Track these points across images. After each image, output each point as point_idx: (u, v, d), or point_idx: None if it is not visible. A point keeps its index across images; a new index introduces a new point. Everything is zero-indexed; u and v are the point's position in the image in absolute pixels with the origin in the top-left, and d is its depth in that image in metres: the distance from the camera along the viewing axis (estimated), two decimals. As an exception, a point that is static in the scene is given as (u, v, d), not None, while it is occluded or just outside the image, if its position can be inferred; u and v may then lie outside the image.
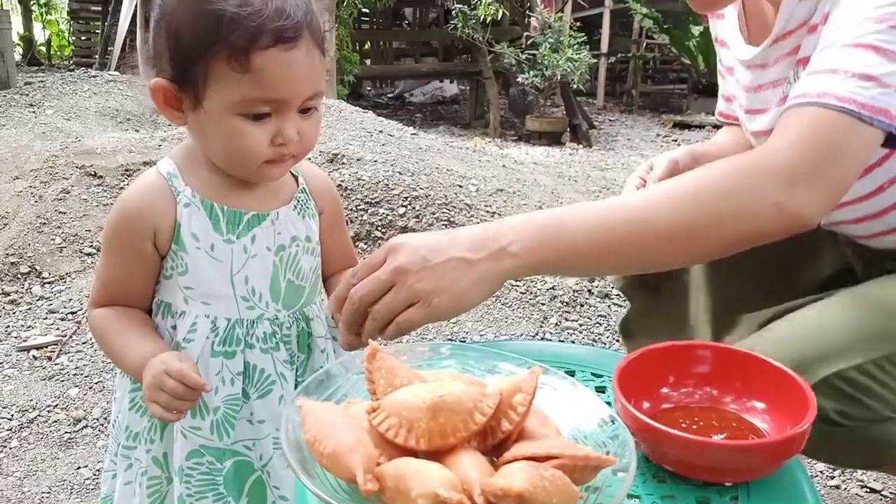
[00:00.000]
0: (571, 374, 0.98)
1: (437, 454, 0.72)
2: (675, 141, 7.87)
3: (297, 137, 0.90)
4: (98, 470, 1.85)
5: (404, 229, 3.00)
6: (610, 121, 9.18)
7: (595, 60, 8.07)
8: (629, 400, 0.81)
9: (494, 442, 0.76)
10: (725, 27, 1.34)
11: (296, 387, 1.00)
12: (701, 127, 8.64)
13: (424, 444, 0.72)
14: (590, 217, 0.90)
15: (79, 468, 1.86)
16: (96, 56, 9.55)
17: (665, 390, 0.88)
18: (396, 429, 0.73)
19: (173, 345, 0.97)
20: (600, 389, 0.97)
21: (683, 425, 0.84)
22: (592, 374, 1.00)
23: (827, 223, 1.23)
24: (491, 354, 0.90)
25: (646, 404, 0.86)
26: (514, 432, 0.76)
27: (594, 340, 2.54)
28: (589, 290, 2.80)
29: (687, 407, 0.87)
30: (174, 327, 0.98)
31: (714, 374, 0.87)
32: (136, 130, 4.26)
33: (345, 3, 6.85)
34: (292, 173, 1.04)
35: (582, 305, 2.70)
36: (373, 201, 3.09)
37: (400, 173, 3.30)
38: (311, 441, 0.70)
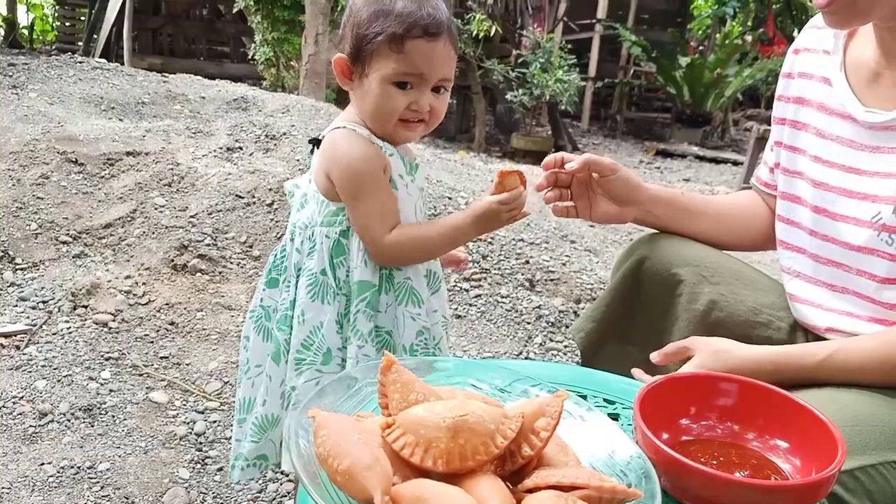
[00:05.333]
0: (583, 398, 0.95)
1: (453, 477, 0.68)
2: (658, 168, 7.93)
3: (428, 108, 1.19)
4: (62, 467, 1.77)
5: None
6: (594, 144, 9.24)
7: (583, 83, 8.13)
8: (649, 430, 0.77)
9: (513, 467, 0.72)
10: (825, 66, 1.26)
11: None
12: (683, 156, 8.72)
13: (442, 465, 0.68)
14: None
15: (42, 464, 1.78)
16: (79, 43, 9.41)
17: (685, 422, 0.85)
18: (412, 448, 0.68)
19: None
20: (613, 416, 0.93)
21: (702, 460, 0.81)
22: (605, 399, 0.97)
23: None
24: (506, 373, 0.86)
25: (664, 435, 0.83)
26: (534, 458, 0.72)
27: (578, 363, 2.51)
28: (575, 312, 2.78)
29: (707, 441, 0.84)
30: None
31: (737, 408, 0.84)
32: (121, 119, 4.16)
33: (339, 8, 6.81)
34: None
35: (567, 326, 2.68)
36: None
37: (389, 181, 3.26)
38: (324, 456, 0.66)
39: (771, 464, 0.80)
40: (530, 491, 0.68)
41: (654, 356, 1.22)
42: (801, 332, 1.29)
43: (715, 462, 0.80)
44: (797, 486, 0.74)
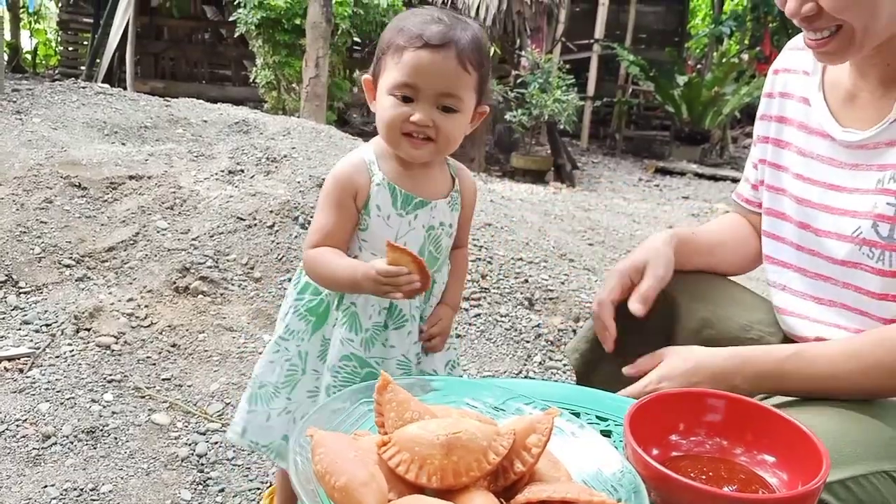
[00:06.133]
0: (576, 416, 0.97)
1: (447, 493, 0.70)
2: (657, 186, 7.97)
3: (430, 124, 1.19)
4: (66, 489, 1.79)
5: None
6: (593, 163, 9.29)
7: (582, 103, 8.19)
8: (639, 446, 0.79)
9: (506, 483, 0.74)
10: (805, 87, 1.29)
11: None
12: (682, 174, 8.77)
13: (436, 482, 0.70)
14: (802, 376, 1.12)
15: (45, 486, 1.79)
16: (82, 67, 9.50)
17: (674, 438, 0.87)
18: (408, 465, 0.71)
19: None
20: (605, 433, 0.95)
21: (692, 475, 0.83)
22: (597, 416, 0.99)
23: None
24: (500, 392, 0.88)
25: (655, 451, 0.85)
26: (526, 474, 0.74)
27: (576, 382, 2.53)
28: (574, 330, 2.79)
29: (696, 456, 0.86)
30: None
31: (725, 424, 0.86)
32: (123, 144, 4.20)
33: (339, 32, 6.90)
34: (452, 176, 1.34)
35: (566, 345, 2.69)
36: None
37: (389, 202, 3.28)
38: (322, 473, 0.68)
39: (759, 478, 0.82)
40: (522, 506, 0.70)
41: (628, 369, 1.24)
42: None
43: (704, 477, 0.82)
44: (783, 499, 0.75)
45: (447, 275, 1.39)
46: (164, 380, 2.28)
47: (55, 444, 1.95)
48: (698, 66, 11.98)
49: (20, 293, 2.67)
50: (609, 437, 0.95)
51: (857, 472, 0.93)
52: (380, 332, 1.32)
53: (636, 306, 1.27)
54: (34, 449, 1.92)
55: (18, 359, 2.31)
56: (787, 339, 1.32)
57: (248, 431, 1.44)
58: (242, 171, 3.58)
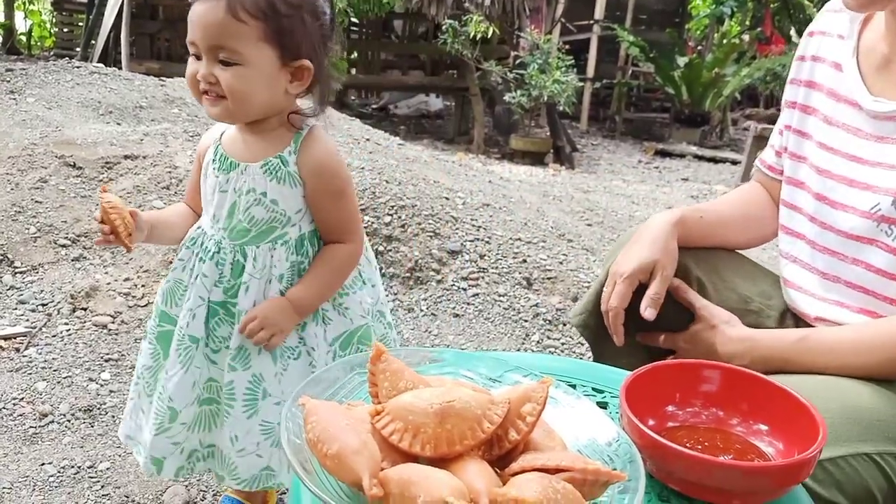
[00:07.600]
0: (573, 388, 0.96)
1: (441, 461, 0.70)
2: (657, 168, 7.94)
3: (211, 80, 1.17)
4: (63, 467, 1.79)
5: (389, 238, 2.97)
6: (592, 144, 9.26)
7: (581, 84, 8.15)
8: (635, 416, 0.79)
9: (500, 452, 0.73)
10: (838, 51, 1.25)
11: (213, 305, 1.31)
12: (682, 156, 8.74)
13: (430, 450, 0.69)
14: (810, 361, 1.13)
15: (43, 464, 1.80)
16: (78, 48, 9.43)
17: (671, 408, 0.86)
18: (401, 433, 0.70)
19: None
20: (602, 405, 0.95)
21: (687, 445, 0.82)
22: (594, 388, 0.99)
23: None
24: (497, 364, 0.87)
25: (651, 421, 0.84)
26: (520, 443, 0.73)
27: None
28: (571, 310, 2.79)
29: (692, 427, 0.85)
30: None
31: (721, 394, 0.86)
32: (118, 123, 4.17)
33: (336, 11, 6.84)
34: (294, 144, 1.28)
35: (565, 324, 2.69)
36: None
37: (387, 182, 3.27)
38: (314, 441, 0.67)
39: (754, 448, 0.82)
40: (516, 475, 0.69)
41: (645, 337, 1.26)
42: (791, 320, 1.30)
43: (700, 447, 0.82)
44: (778, 467, 0.75)
45: (287, 261, 1.28)
46: (161, 358, 2.27)
47: (52, 422, 1.95)
48: (699, 47, 11.92)
49: (16, 273, 2.67)
50: (605, 408, 0.94)
51: (837, 454, 0.92)
52: (180, 289, 1.35)
53: (651, 312, 1.24)
54: (31, 427, 1.92)
55: (15, 338, 2.30)
56: (788, 311, 1.31)
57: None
58: (239, 150, 3.56)
